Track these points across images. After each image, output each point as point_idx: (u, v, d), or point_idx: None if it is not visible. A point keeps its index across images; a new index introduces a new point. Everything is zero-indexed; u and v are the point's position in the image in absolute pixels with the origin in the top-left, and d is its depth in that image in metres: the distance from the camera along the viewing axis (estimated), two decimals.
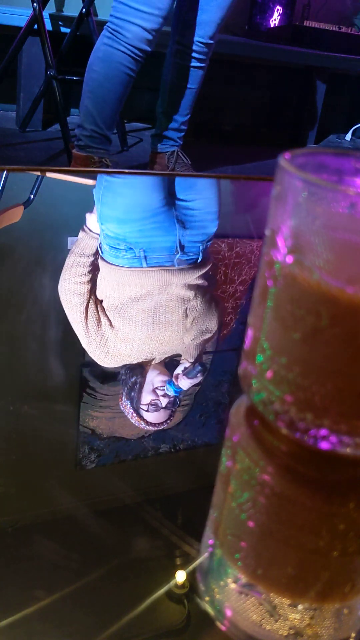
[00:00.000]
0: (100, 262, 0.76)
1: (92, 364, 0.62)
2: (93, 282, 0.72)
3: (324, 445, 0.38)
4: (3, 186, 0.93)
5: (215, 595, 0.35)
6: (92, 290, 0.71)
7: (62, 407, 0.55)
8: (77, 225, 0.87)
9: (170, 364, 0.62)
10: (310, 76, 3.61)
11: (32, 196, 0.96)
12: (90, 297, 0.69)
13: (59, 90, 2.52)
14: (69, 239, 0.83)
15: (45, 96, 2.82)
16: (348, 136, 3.92)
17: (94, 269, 0.75)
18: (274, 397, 0.39)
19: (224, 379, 0.63)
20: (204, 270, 0.79)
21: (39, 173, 1.05)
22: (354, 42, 3.47)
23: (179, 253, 0.80)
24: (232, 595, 0.35)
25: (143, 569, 0.38)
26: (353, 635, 0.33)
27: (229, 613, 0.34)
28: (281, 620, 0.33)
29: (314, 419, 0.37)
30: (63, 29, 2.81)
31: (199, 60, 2.29)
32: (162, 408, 0.55)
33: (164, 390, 0.57)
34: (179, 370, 0.60)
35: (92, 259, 0.76)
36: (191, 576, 0.36)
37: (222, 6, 2.17)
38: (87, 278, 0.73)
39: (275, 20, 3.51)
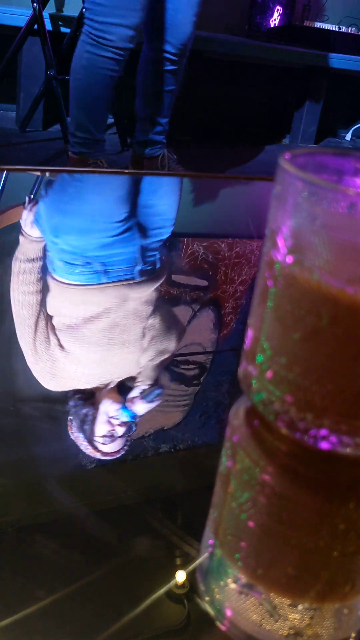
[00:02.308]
0: (51, 281, 0.69)
1: None
2: (43, 293, 0.66)
3: (324, 445, 0.38)
4: (3, 186, 0.93)
5: (215, 595, 0.35)
6: (43, 303, 0.64)
7: (62, 407, 0.55)
8: None
9: (122, 387, 0.56)
10: (310, 76, 3.60)
11: (32, 196, 0.96)
12: (40, 310, 0.62)
13: (59, 90, 2.52)
14: None
15: (45, 96, 2.82)
16: (348, 136, 3.92)
17: (43, 279, 0.68)
18: (274, 397, 0.39)
19: (224, 379, 0.63)
20: (159, 283, 0.73)
21: (39, 173, 1.05)
22: (354, 42, 3.47)
23: (140, 264, 0.75)
24: (232, 595, 0.35)
25: (143, 569, 0.38)
26: (353, 635, 0.33)
27: (229, 613, 0.34)
28: (281, 620, 0.33)
29: (314, 419, 0.37)
30: (63, 29, 2.81)
31: (175, 62, 2.22)
32: (118, 437, 0.50)
33: (118, 419, 0.52)
34: (134, 393, 0.55)
35: (38, 264, 0.69)
36: (191, 576, 0.36)
37: (192, 3, 2.10)
38: (36, 288, 0.66)
39: (275, 20, 3.51)
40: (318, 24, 3.51)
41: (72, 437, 0.51)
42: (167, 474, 0.49)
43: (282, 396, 0.38)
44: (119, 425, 0.51)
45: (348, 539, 0.37)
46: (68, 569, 0.37)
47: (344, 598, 0.35)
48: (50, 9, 2.79)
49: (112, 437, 0.50)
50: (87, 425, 0.51)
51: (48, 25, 2.67)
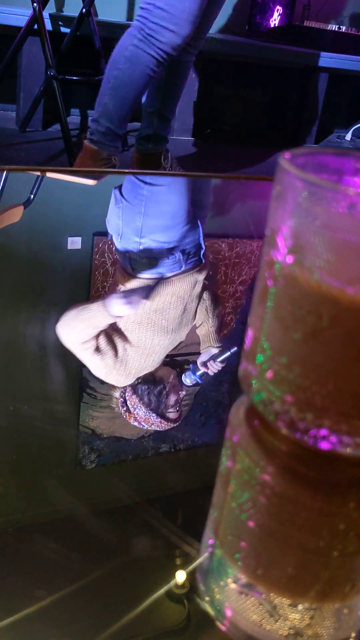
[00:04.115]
0: (126, 281, 0.75)
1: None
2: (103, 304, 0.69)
3: (324, 445, 0.38)
4: (3, 186, 0.93)
5: (215, 595, 0.35)
6: (102, 314, 0.68)
7: (62, 407, 0.55)
8: (77, 225, 0.87)
9: (168, 362, 0.65)
10: (310, 76, 3.60)
11: (32, 196, 0.96)
12: (98, 333, 0.66)
13: (59, 90, 2.52)
14: (69, 239, 0.83)
15: (45, 96, 2.81)
16: (348, 136, 3.92)
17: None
18: (274, 397, 0.39)
19: (224, 379, 0.63)
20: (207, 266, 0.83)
21: (39, 173, 1.05)
22: (354, 42, 3.46)
23: (202, 250, 0.84)
24: (232, 595, 0.35)
25: (143, 569, 0.38)
26: (353, 635, 0.33)
27: (229, 613, 0.34)
28: (281, 620, 0.33)
29: (314, 419, 0.37)
30: (63, 29, 2.81)
31: (191, 54, 2.25)
32: (180, 405, 0.59)
33: (188, 384, 0.62)
34: (203, 358, 0.65)
35: (101, 329, 0.69)
36: (191, 576, 0.36)
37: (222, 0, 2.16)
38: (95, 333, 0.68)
39: (275, 20, 3.50)
40: (318, 24, 3.50)
41: (136, 424, 0.56)
42: (167, 474, 0.49)
43: (282, 396, 0.38)
44: (181, 391, 0.60)
45: (348, 539, 0.37)
46: (68, 569, 0.37)
47: (344, 598, 0.35)
48: (50, 9, 2.79)
49: (178, 404, 0.58)
50: (162, 400, 0.58)
51: (48, 25, 2.66)
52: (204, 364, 0.65)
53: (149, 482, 0.48)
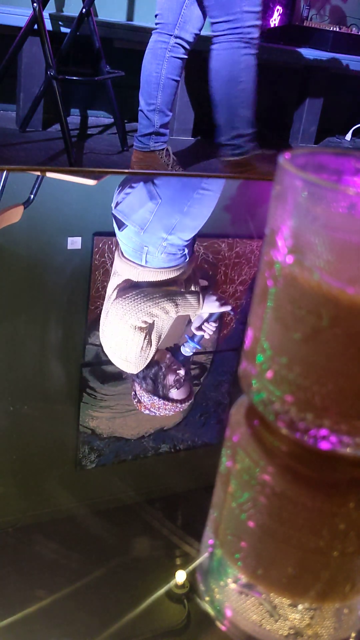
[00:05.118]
0: (141, 269, 0.79)
1: (92, 364, 0.62)
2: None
3: (324, 445, 0.38)
4: (3, 186, 0.93)
5: (215, 595, 0.35)
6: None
7: (62, 407, 0.55)
8: (77, 225, 0.87)
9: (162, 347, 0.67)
10: (310, 76, 3.60)
11: (32, 196, 0.96)
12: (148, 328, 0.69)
13: (59, 90, 2.52)
14: (69, 239, 0.83)
15: (45, 96, 2.81)
16: (348, 136, 3.92)
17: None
18: (274, 397, 0.39)
19: (224, 379, 0.63)
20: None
21: (39, 173, 1.05)
22: (354, 42, 3.46)
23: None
24: (232, 595, 0.35)
25: (143, 569, 0.38)
26: (353, 635, 0.33)
27: (229, 613, 0.34)
28: (281, 620, 0.33)
29: (314, 419, 0.37)
30: (63, 29, 2.81)
31: (187, 52, 2.30)
32: (184, 380, 0.60)
33: (177, 366, 0.62)
34: (196, 323, 0.67)
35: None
36: (191, 576, 0.36)
37: None
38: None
39: (275, 20, 3.51)
40: (318, 24, 3.50)
41: (145, 411, 0.57)
42: (167, 474, 0.49)
43: (282, 396, 0.38)
44: (179, 370, 0.60)
45: (348, 539, 0.37)
46: (68, 569, 0.37)
47: (344, 598, 0.35)
48: (50, 9, 2.79)
49: (179, 381, 0.59)
50: (159, 382, 0.59)
51: (48, 25, 2.66)
52: (199, 328, 0.67)
53: (149, 482, 0.48)
